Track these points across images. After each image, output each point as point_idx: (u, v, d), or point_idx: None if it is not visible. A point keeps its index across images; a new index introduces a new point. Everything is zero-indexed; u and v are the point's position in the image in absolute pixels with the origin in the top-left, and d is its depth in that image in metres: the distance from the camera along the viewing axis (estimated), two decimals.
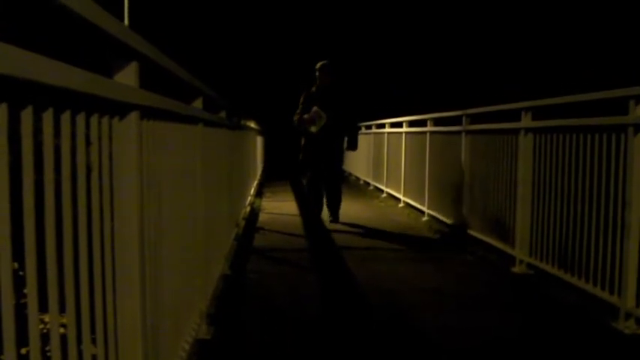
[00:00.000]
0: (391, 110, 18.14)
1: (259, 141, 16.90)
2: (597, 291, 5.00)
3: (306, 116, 9.85)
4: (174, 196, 3.25)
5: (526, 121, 6.40)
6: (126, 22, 19.86)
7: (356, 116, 10.79)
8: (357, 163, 18.67)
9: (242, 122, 9.13)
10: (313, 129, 9.80)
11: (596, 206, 5.05)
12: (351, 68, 28.09)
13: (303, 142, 10.22)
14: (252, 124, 12.80)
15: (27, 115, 1.43)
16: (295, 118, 10.07)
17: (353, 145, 10.35)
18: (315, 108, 9.77)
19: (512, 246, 6.72)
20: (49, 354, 1.58)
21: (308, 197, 10.67)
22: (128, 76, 2.24)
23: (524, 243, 6.43)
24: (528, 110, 6.39)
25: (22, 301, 1.48)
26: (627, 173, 4.60)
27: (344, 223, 9.83)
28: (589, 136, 5.14)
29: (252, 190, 12.75)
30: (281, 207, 11.97)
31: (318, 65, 10.17)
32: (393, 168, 13.34)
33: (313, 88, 10.18)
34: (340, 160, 10.45)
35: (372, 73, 32.52)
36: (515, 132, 6.64)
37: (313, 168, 10.19)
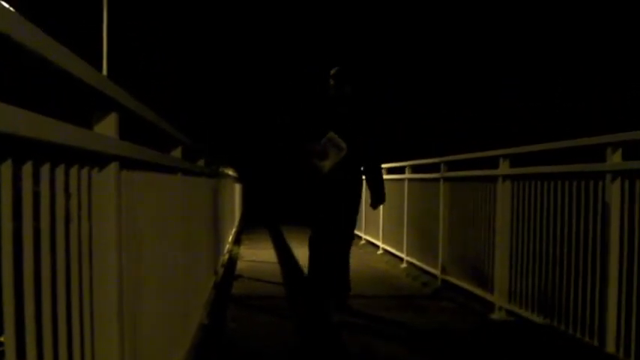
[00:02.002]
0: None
1: (237, 188, 16.89)
2: (578, 336, 5.00)
3: (316, 148, 6.73)
4: (153, 246, 3.24)
5: (504, 169, 6.45)
6: (104, 71, 19.87)
7: (382, 151, 7.33)
8: None
9: (220, 170, 9.12)
10: (326, 165, 6.68)
11: (575, 252, 5.07)
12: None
13: (312, 188, 6.95)
14: (231, 172, 12.79)
15: (6, 168, 1.42)
16: (299, 148, 6.93)
17: (379, 196, 7.21)
18: (330, 134, 6.60)
19: (491, 292, 6.73)
20: None
21: (311, 270, 7.15)
22: (108, 127, 2.25)
23: (502, 289, 6.44)
24: (506, 157, 6.44)
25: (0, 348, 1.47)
26: (606, 220, 4.64)
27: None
28: (567, 183, 5.18)
29: (231, 238, 12.70)
30: (259, 255, 11.91)
31: (333, 71, 6.91)
32: (371, 215, 13.35)
33: (321, 106, 7.01)
34: (356, 212, 7.15)
35: (367, 82, 32.35)
36: (493, 179, 6.68)
37: (319, 223, 6.96)
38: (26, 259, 1.55)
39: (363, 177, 7.21)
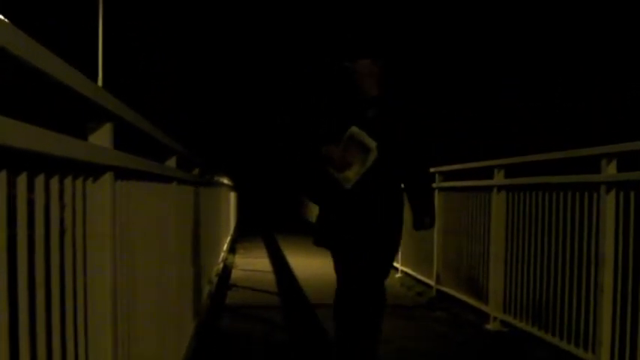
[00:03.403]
0: None
1: (232, 197, 16.88)
2: (572, 348, 4.99)
3: (334, 151, 4.50)
4: (148, 255, 3.24)
5: (499, 179, 6.45)
6: (100, 81, 19.84)
7: (430, 151, 4.97)
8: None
9: (215, 179, 9.12)
10: (350, 177, 4.47)
11: (569, 263, 5.07)
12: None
13: (318, 211, 4.80)
14: (226, 181, 12.79)
15: (0, 180, 1.42)
16: (306, 155, 4.77)
17: (426, 215, 4.76)
18: (353, 129, 4.47)
19: (485, 303, 6.72)
20: None
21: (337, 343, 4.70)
22: (102, 137, 2.24)
23: (497, 300, 6.44)
24: (501, 168, 6.45)
25: None
26: (600, 231, 4.64)
27: (316, 278, 9.78)
28: (562, 194, 5.19)
29: (226, 247, 12.68)
30: (254, 264, 11.90)
31: (355, 64, 4.63)
32: None
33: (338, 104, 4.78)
34: (395, 251, 4.89)
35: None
36: (488, 189, 6.69)
37: (343, 278, 4.67)
38: (20, 270, 1.54)
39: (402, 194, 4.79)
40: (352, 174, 4.42)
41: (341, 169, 4.44)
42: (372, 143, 4.40)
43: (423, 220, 4.73)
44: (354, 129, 4.43)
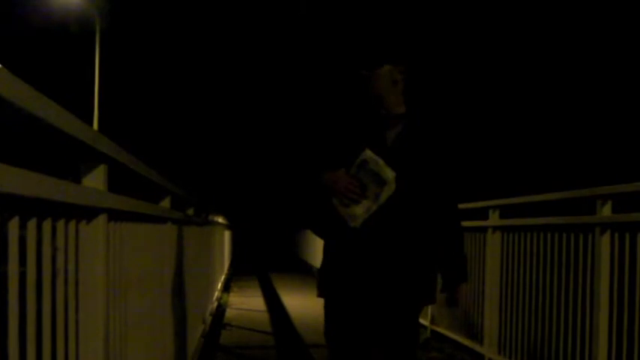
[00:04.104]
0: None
1: (227, 235, 16.84)
2: None
3: (340, 180, 3.46)
4: (141, 296, 3.22)
5: (493, 220, 6.46)
6: (95, 124, 19.83)
7: (459, 191, 3.70)
8: (314, 249, 18.30)
9: (210, 218, 9.11)
10: (357, 214, 3.45)
11: (564, 304, 5.06)
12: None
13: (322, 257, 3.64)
14: (221, 219, 12.77)
15: None
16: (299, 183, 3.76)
17: (456, 272, 3.59)
18: (367, 153, 3.46)
19: (480, 344, 6.69)
20: None
21: None
22: (96, 180, 2.24)
23: (492, 341, 6.40)
24: (496, 208, 6.46)
25: None
26: (595, 273, 4.64)
27: (311, 317, 9.72)
28: (557, 235, 5.19)
29: (220, 285, 12.63)
30: (248, 302, 11.84)
31: (373, 72, 3.54)
32: None
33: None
34: (416, 326, 3.60)
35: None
36: (483, 230, 6.68)
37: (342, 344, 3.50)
38: (11, 316, 1.53)
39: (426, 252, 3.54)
40: (360, 211, 3.39)
41: (347, 203, 3.42)
42: (389, 174, 3.38)
43: (451, 286, 3.54)
44: (369, 153, 3.40)
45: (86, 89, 20.52)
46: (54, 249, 1.83)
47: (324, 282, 3.49)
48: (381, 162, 3.39)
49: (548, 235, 5.32)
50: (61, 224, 1.89)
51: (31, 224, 1.64)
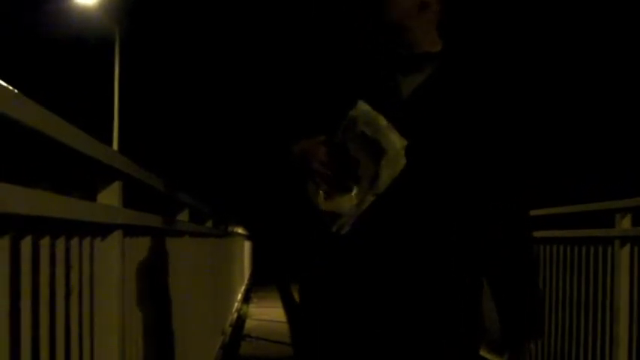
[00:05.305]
0: None
1: (247, 246, 16.86)
2: None
3: (317, 153, 2.03)
4: (158, 312, 3.22)
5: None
6: (115, 144, 19.75)
7: (520, 194, 2.11)
8: None
9: (230, 229, 9.12)
10: (344, 208, 1.99)
11: (584, 316, 5.01)
12: None
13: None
14: (240, 230, 12.79)
15: (3, 244, 1.42)
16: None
17: (526, 329, 2.16)
18: (360, 107, 1.98)
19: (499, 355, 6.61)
20: None
21: None
22: (111, 196, 2.25)
23: None
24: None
25: None
26: (615, 285, 4.59)
27: None
28: (576, 248, 5.13)
29: (240, 296, 12.63)
30: (268, 313, 11.82)
31: None
32: None
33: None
34: None
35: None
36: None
37: None
38: (24, 338, 1.53)
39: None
40: (348, 205, 2.00)
41: (328, 192, 2.05)
42: (394, 141, 1.96)
43: (520, 338, 2.23)
44: (362, 107, 2.01)
45: (105, 99, 20.62)
46: (68, 267, 1.83)
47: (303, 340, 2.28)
48: (382, 121, 1.98)
49: (568, 248, 5.26)
50: (75, 241, 1.89)
51: (44, 242, 1.64)
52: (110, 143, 19.48)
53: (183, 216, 4.15)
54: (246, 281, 15.84)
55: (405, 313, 1.99)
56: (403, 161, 1.94)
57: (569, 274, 5.25)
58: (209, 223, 5.80)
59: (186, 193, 4.09)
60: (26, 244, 1.54)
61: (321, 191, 2.05)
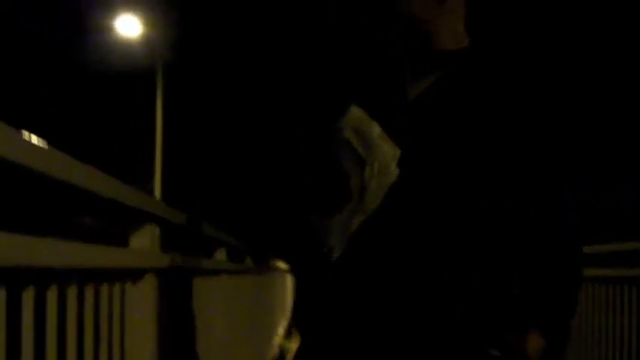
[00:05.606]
0: None
1: (289, 280, 16.79)
2: None
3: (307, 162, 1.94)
4: (194, 353, 3.18)
5: None
6: (157, 192, 19.59)
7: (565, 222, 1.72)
8: None
9: (270, 264, 9.08)
10: (333, 229, 1.82)
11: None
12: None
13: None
14: (282, 264, 12.74)
15: (28, 294, 1.39)
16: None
17: None
18: (351, 112, 1.83)
19: None
20: None
21: None
22: (144, 239, 2.21)
23: None
24: None
25: None
26: None
27: None
28: (603, 287, 4.87)
29: (282, 331, 12.56)
30: None
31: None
32: None
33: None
34: None
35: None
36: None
37: None
38: None
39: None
40: (338, 223, 1.84)
41: (318, 205, 1.92)
42: (383, 148, 1.76)
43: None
44: (354, 114, 1.84)
45: (148, 130, 20.72)
46: (97, 314, 1.79)
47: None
48: (376, 129, 1.78)
49: (596, 287, 5.06)
50: (104, 289, 1.85)
51: (71, 291, 1.61)
52: (153, 175, 19.58)
53: (221, 255, 4.12)
54: (288, 316, 15.75)
55: (402, 344, 1.71)
56: (394, 173, 1.70)
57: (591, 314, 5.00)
58: (248, 261, 5.77)
59: (224, 232, 4.07)
60: (52, 294, 1.51)
61: (307, 204, 1.91)
